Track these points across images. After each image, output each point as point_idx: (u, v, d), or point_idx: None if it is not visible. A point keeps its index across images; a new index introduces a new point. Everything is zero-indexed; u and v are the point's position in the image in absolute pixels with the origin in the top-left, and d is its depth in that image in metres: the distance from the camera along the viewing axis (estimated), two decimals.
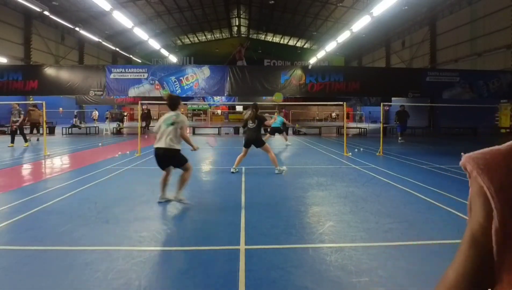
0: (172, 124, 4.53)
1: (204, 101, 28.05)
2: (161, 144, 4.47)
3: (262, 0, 31.32)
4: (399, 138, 14.50)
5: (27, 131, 12.82)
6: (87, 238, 3.33)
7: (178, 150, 4.55)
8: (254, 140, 6.97)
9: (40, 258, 2.88)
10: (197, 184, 6.05)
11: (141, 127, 10.86)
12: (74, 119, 25.00)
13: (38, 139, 13.93)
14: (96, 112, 29.33)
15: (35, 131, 13.61)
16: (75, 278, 2.53)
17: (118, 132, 19.90)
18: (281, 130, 13.30)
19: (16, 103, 12.33)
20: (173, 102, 4.80)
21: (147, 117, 24.16)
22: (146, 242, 3.25)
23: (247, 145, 7.00)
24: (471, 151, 0.48)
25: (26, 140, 12.01)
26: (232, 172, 6.90)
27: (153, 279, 2.53)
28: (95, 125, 22.28)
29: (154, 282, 2.48)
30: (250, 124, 6.97)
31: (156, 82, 16.51)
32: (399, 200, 4.84)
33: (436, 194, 5.10)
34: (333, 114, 44.22)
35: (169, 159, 4.58)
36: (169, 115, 4.66)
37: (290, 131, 20.07)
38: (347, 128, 11.70)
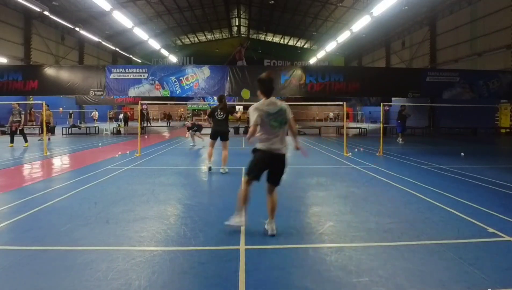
0: (286, 122, 3.43)
1: (204, 101, 28.05)
2: (278, 147, 3.35)
3: (262, 0, 31.31)
4: (399, 138, 14.36)
5: (34, 131, 12.88)
6: (87, 238, 3.33)
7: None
8: (223, 132, 7.02)
9: (40, 258, 2.88)
10: (197, 184, 6.05)
11: (141, 127, 10.86)
12: (68, 120, 24.99)
13: (49, 139, 14.14)
14: (96, 112, 29.32)
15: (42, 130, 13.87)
16: (75, 278, 2.53)
17: (118, 132, 19.91)
18: None
19: (17, 103, 12.32)
20: (270, 85, 3.45)
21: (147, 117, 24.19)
22: (146, 242, 3.25)
23: (215, 137, 7.04)
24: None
25: (26, 140, 12.00)
26: (210, 167, 7.09)
27: (153, 279, 2.53)
28: (95, 125, 22.29)
29: (154, 282, 2.48)
30: (219, 116, 6.94)
31: (156, 82, 16.51)
32: (399, 200, 4.83)
33: (436, 194, 5.10)
34: (331, 115, 43.91)
35: (281, 166, 3.42)
36: (275, 106, 3.36)
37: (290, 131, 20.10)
38: (347, 128, 11.70)
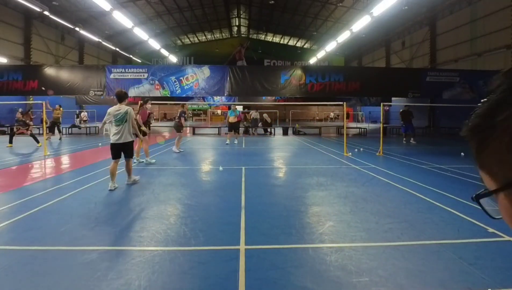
0: (126, 120, 5.53)
1: (204, 101, 28.05)
2: (124, 138, 5.53)
3: (262, 0, 31.31)
4: (411, 139, 14.13)
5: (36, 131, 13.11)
6: (87, 238, 3.33)
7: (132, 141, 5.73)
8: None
9: (40, 258, 2.88)
10: (197, 184, 6.05)
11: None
12: (76, 120, 25.11)
13: (60, 138, 14.87)
14: (85, 112, 28.47)
15: (55, 130, 15.02)
16: (75, 278, 2.53)
17: None
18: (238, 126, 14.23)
19: (20, 113, 12.56)
20: (118, 96, 5.62)
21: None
22: (146, 242, 3.25)
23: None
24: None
25: (38, 141, 12.06)
26: (143, 162, 8.12)
27: (153, 279, 2.53)
28: (87, 126, 22.08)
29: (154, 282, 2.48)
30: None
31: (156, 82, 16.51)
32: (399, 200, 4.84)
33: (436, 194, 5.10)
34: (331, 115, 43.73)
35: (128, 149, 5.65)
36: (120, 110, 5.51)
37: (290, 131, 20.09)
38: (347, 128, 11.70)
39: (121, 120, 5.43)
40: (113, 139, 5.45)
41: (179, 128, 10.46)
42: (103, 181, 6.05)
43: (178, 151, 10.35)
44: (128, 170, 5.70)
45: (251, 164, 8.26)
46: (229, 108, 14.65)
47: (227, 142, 13.42)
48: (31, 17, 24.42)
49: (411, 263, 2.80)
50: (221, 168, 7.30)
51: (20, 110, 12.78)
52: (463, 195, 5.01)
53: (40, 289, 2.40)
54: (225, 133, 17.65)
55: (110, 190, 5.29)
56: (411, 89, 17.17)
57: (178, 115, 10.68)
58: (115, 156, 5.49)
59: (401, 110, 14.44)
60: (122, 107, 5.50)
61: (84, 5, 23.49)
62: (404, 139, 14.43)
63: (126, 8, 27.31)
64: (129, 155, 5.63)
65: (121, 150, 5.50)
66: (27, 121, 12.38)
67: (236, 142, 13.57)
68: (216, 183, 6.26)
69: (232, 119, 13.51)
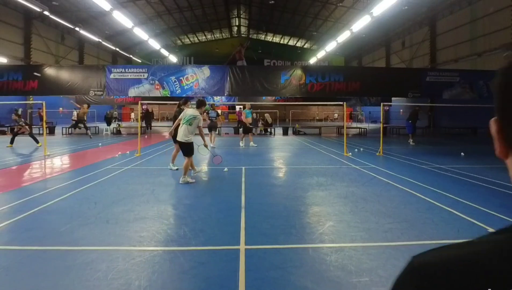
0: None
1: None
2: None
3: (262, 0, 31.31)
4: (410, 140, 14.05)
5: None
6: (87, 238, 3.33)
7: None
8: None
9: (40, 258, 2.88)
10: (197, 184, 6.05)
11: (141, 126, 10.90)
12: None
13: (90, 137, 15.37)
14: (61, 108, 27.39)
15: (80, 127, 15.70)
16: (75, 278, 2.53)
17: (118, 132, 19.91)
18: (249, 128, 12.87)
19: (15, 114, 12.52)
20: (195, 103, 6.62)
21: (147, 116, 24.11)
22: (146, 242, 3.25)
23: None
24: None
25: (37, 141, 12.06)
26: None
27: (153, 279, 2.53)
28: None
29: (154, 282, 2.48)
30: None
31: (156, 82, 16.51)
32: (399, 200, 4.83)
33: (436, 194, 5.10)
34: (336, 115, 42.93)
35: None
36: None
37: (290, 131, 20.09)
38: (347, 128, 11.69)
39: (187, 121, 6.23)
40: None
41: (216, 127, 11.67)
42: (103, 181, 6.05)
43: (214, 146, 11.41)
44: (183, 168, 6.09)
45: (251, 164, 8.26)
46: (244, 107, 13.19)
47: (255, 145, 12.28)
48: (31, 17, 24.41)
49: None
50: (226, 169, 7.26)
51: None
52: (463, 195, 5.01)
53: (40, 289, 2.40)
54: (225, 134, 17.64)
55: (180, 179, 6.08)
56: (411, 89, 17.18)
57: (208, 115, 11.66)
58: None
59: (411, 110, 14.31)
60: (188, 111, 6.42)
61: (84, 5, 23.49)
62: (412, 139, 14.17)
63: (126, 8, 27.29)
64: (184, 154, 6.24)
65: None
66: (20, 122, 12.37)
67: (242, 145, 12.51)
68: (216, 183, 6.26)
69: (249, 120, 12.65)
